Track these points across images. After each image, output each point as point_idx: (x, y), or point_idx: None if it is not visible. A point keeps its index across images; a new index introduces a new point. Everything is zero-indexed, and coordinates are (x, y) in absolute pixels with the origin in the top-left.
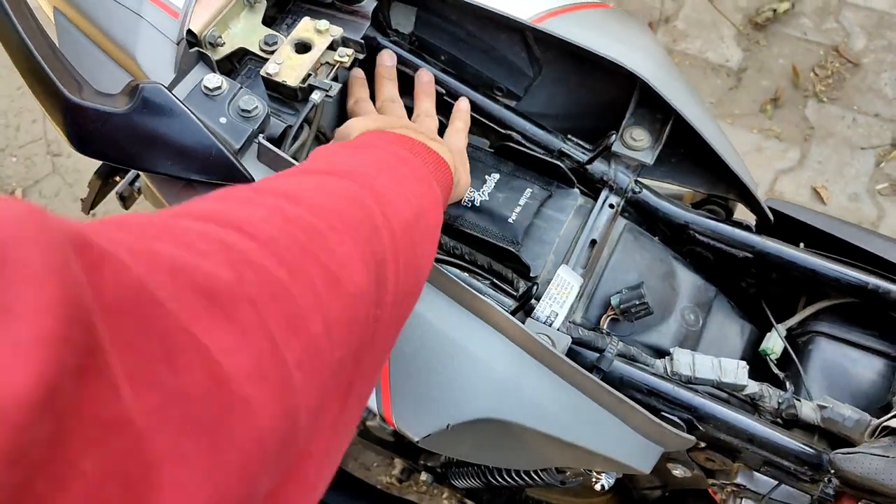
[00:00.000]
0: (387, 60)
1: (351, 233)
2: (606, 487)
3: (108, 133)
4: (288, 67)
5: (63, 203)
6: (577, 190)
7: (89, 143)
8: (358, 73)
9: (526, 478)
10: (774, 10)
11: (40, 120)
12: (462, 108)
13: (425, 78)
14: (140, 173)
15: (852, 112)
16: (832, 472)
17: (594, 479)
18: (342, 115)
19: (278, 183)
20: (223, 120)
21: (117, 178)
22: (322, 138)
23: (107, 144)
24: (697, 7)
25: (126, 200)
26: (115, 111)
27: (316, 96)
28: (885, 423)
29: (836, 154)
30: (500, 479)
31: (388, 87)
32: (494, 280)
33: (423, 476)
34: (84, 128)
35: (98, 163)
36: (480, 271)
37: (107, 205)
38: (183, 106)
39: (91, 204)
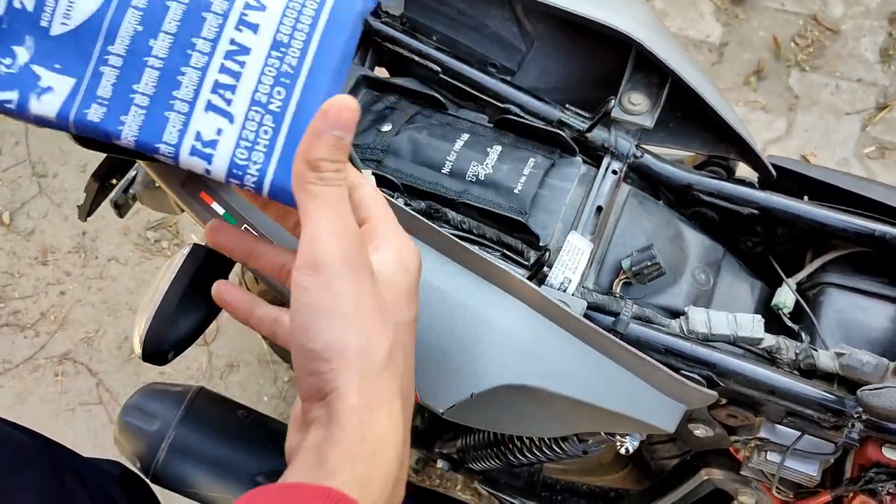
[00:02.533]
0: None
1: None
2: (631, 451)
3: None
4: None
5: (52, 223)
6: (579, 158)
7: None
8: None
9: (547, 451)
10: None
11: (23, 142)
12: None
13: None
14: (132, 178)
15: (835, 79)
16: (859, 411)
17: (618, 444)
18: None
19: None
20: None
21: (114, 182)
22: None
23: None
24: None
25: (121, 208)
26: None
27: None
28: None
29: (822, 121)
30: (519, 457)
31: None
32: (505, 251)
33: (440, 464)
34: None
35: (87, 173)
36: (490, 244)
37: (94, 217)
38: None
39: (88, 210)
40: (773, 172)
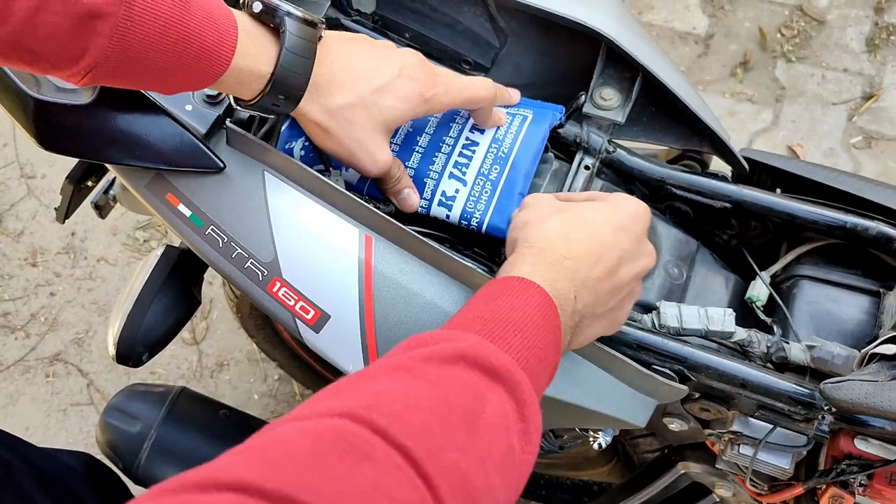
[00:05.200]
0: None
1: None
2: (603, 445)
3: (72, 127)
4: None
5: (41, 225)
6: (551, 154)
7: (54, 138)
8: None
9: None
10: None
11: (11, 144)
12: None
13: None
14: (113, 179)
15: (821, 69)
16: (824, 404)
17: (591, 439)
18: None
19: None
20: (188, 107)
21: (90, 183)
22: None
23: (72, 139)
24: None
25: (102, 210)
26: (78, 104)
27: None
28: (871, 351)
29: (809, 112)
30: None
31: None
32: (474, 250)
33: None
34: (48, 123)
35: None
36: (458, 242)
37: (82, 217)
38: (146, 95)
39: (65, 213)
40: (746, 166)
